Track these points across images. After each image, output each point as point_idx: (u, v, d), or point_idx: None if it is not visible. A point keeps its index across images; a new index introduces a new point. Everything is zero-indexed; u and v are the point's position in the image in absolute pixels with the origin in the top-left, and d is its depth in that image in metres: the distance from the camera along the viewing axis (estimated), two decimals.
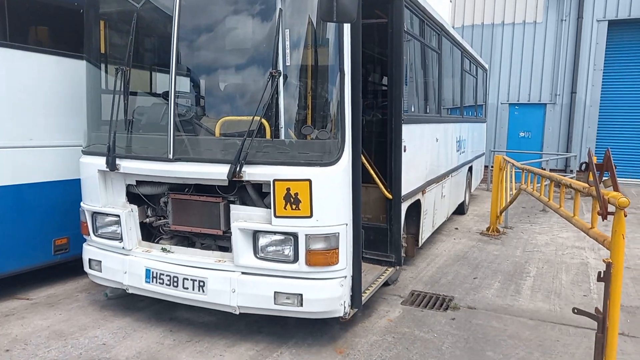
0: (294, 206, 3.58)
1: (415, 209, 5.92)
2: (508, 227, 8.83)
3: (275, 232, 3.68)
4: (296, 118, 3.82)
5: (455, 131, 8.17)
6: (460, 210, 9.72)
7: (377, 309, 4.86)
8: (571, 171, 13.84)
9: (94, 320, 4.44)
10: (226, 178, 3.64)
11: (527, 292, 5.51)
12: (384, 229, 5.12)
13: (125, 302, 4.81)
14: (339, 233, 3.65)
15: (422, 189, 6.02)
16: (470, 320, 4.67)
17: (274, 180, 3.58)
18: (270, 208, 3.68)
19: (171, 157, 3.86)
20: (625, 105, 14.03)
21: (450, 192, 8.03)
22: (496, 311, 4.93)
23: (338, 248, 3.66)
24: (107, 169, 4.13)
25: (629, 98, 14.00)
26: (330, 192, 3.61)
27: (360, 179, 3.82)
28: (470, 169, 10.08)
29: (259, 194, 3.85)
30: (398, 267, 5.23)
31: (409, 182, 5.24)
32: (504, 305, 5.08)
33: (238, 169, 3.59)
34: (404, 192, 5.01)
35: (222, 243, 4.16)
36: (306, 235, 3.59)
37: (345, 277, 3.79)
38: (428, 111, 6.62)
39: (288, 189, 3.56)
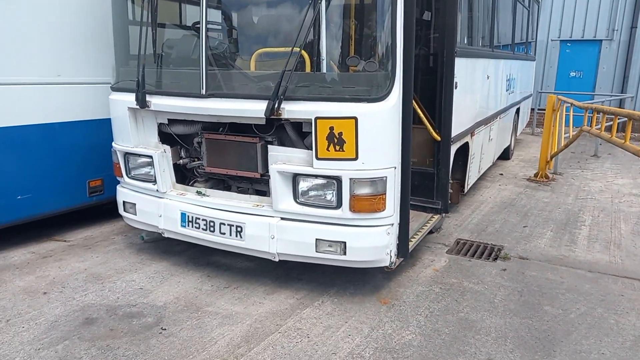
0: (337, 147, 3.25)
1: (462, 153, 5.50)
2: (557, 173, 8.31)
3: (316, 176, 3.39)
4: (340, 48, 3.42)
5: (506, 69, 7.52)
6: (505, 155, 9.20)
7: (421, 257, 4.60)
8: None
9: (130, 264, 4.35)
10: (263, 116, 3.32)
11: (583, 242, 5.12)
12: (430, 174, 4.76)
13: (162, 245, 4.70)
14: (386, 177, 3.32)
15: (471, 131, 5.58)
16: (522, 271, 4.36)
17: (316, 119, 3.24)
18: (311, 149, 3.37)
19: (204, 93, 3.56)
20: None
21: (497, 135, 7.52)
22: (550, 262, 4.59)
23: (385, 193, 3.35)
24: (137, 106, 3.87)
25: None
26: (378, 131, 3.26)
27: (411, 117, 3.44)
28: (517, 110, 9.44)
29: (298, 134, 3.54)
30: (444, 214, 4.91)
31: (458, 122, 4.80)
32: (559, 256, 4.74)
33: (276, 105, 3.26)
34: (453, 133, 4.60)
35: (259, 187, 3.92)
36: (350, 179, 3.29)
37: (392, 224, 3.50)
38: (480, 45, 6.03)
39: (331, 128, 3.23)
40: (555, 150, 7.69)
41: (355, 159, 3.26)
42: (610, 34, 13.26)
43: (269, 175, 3.56)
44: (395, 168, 3.39)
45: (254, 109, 3.38)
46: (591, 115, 6.39)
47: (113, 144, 4.33)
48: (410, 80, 3.36)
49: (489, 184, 7.67)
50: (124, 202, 4.36)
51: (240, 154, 3.70)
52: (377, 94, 3.23)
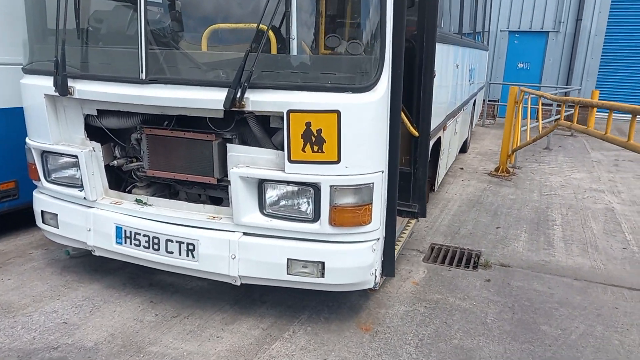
0: (315, 147, 2.64)
1: (434, 149, 5.05)
2: (517, 167, 8.12)
3: (289, 182, 2.76)
4: (316, 25, 2.80)
5: (469, 57, 7.17)
6: (463, 148, 8.93)
7: (397, 268, 4.09)
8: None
9: (52, 288, 3.54)
10: (221, 107, 2.64)
11: (560, 245, 4.83)
12: (406, 174, 4.23)
13: (92, 262, 3.88)
14: (373, 184, 2.76)
15: (443, 125, 5.14)
16: (508, 282, 3.96)
17: (289, 112, 2.60)
18: (281, 150, 2.75)
19: (143, 78, 2.82)
20: (632, 36, 13.14)
21: (460, 128, 7.18)
22: (533, 269, 4.24)
23: (372, 203, 2.78)
24: (57, 94, 3.06)
25: (636, 28, 13.09)
26: (365, 128, 2.67)
27: (400, 110, 2.88)
28: (474, 102, 9.20)
29: (265, 131, 2.89)
30: (421, 218, 4.42)
31: (434, 115, 4.31)
32: (540, 262, 4.39)
33: (239, 95, 2.59)
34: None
35: (216, 194, 3.24)
36: (331, 186, 2.69)
37: (378, 239, 2.94)
38: (451, 31, 5.58)
39: (308, 124, 2.61)
40: (519, 144, 7.46)
41: (337, 162, 2.66)
42: (557, 25, 13.39)
43: (228, 181, 2.90)
44: (382, 172, 2.83)
45: (210, 99, 2.69)
46: (560, 108, 6.14)
47: (27, 139, 3.47)
48: (401, 65, 2.80)
49: (452, 179, 7.32)
50: (42, 211, 3.52)
51: (191, 154, 3.00)
52: (363, 82, 2.64)
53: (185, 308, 3.30)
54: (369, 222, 2.81)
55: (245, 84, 2.57)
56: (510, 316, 3.42)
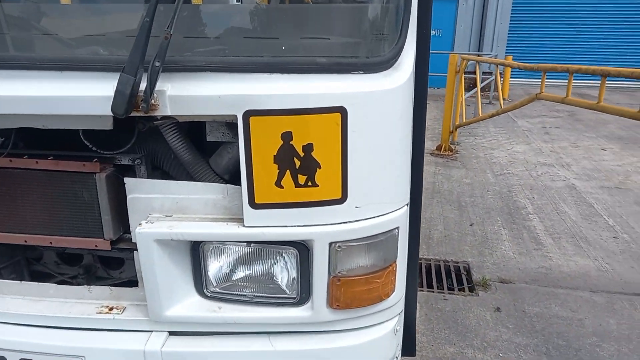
0: (301, 178, 1.40)
1: None
2: (457, 144, 7.41)
3: (251, 243, 1.51)
4: None
5: None
6: None
7: None
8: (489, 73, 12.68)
9: None
10: (108, 113, 1.29)
11: (548, 242, 4.07)
12: None
13: None
14: (398, 229, 1.59)
15: None
16: (522, 309, 3.07)
17: (248, 115, 1.33)
18: (233, 181, 1.50)
19: None
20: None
21: None
22: (539, 282, 3.40)
23: (396, 261, 1.63)
24: None
25: None
26: (388, 133, 1.48)
27: (426, 96, 1.73)
28: None
29: (198, 148, 1.59)
30: None
31: None
32: (541, 271, 3.58)
33: (149, 87, 1.25)
34: None
35: (110, 267, 1.87)
36: (332, 244, 1.48)
37: (401, 312, 1.81)
38: None
39: (286, 137, 1.36)
40: (465, 119, 6.70)
41: (342, 200, 1.45)
42: None
43: (132, 242, 1.57)
44: (408, 205, 1.67)
45: (86, 97, 1.33)
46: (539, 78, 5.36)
47: None
48: (429, 21, 1.63)
49: None
50: None
51: (54, 200, 1.61)
52: (381, 54, 1.44)
53: None
54: (392, 293, 1.66)
55: (157, 64, 1.24)
56: None
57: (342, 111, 1.36)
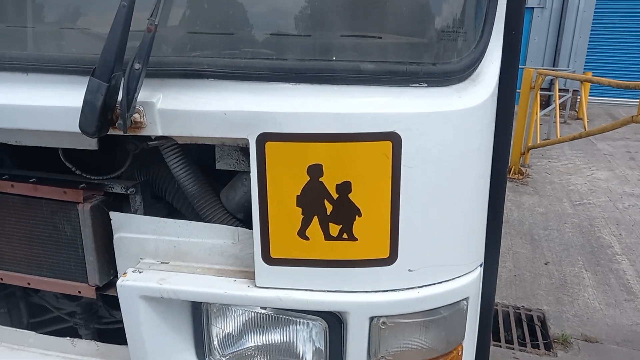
0: (334, 227, 1.02)
1: None
2: (527, 166, 6.74)
3: (265, 309, 1.14)
4: None
5: None
6: None
7: None
8: (565, 90, 11.61)
9: None
10: (75, 129, 0.96)
11: None
12: None
13: None
14: (467, 300, 1.16)
15: None
16: None
17: (264, 139, 0.96)
18: (245, 224, 1.14)
19: None
20: (623, 12, 12.07)
21: None
22: (634, 345, 2.81)
23: (462, 344, 1.20)
24: None
25: (626, 3, 12.03)
26: (454, 173, 1.06)
27: (511, 130, 1.30)
28: None
29: (203, 177, 1.25)
30: None
31: None
32: (636, 329, 2.97)
33: (126, 97, 0.92)
34: None
35: (113, 307, 1.57)
36: (373, 319, 1.08)
37: None
38: None
39: (316, 171, 0.98)
40: (539, 141, 6.06)
41: (390, 259, 1.05)
42: (542, 1, 12.13)
43: (118, 294, 1.24)
44: (481, 266, 1.24)
45: (56, 108, 1.02)
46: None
47: None
48: (521, 28, 1.21)
49: None
50: None
51: (33, 232, 1.31)
52: (453, 61, 1.03)
53: None
54: None
55: (137, 67, 0.90)
56: None
57: (393, 139, 0.97)
